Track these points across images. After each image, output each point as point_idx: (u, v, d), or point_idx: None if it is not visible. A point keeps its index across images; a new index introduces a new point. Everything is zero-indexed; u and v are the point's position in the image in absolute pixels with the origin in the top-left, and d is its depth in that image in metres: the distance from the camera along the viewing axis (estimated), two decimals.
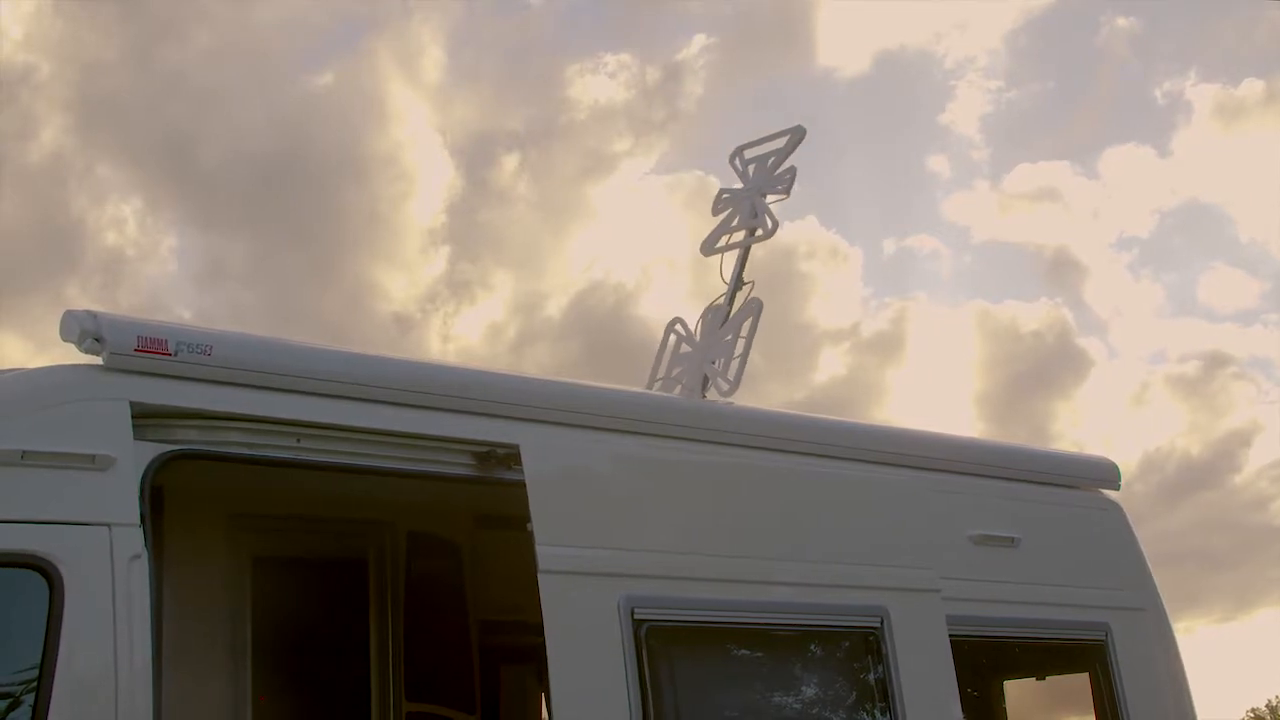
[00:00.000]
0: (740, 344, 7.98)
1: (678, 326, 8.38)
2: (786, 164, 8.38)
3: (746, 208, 8.39)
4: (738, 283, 8.26)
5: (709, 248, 8.50)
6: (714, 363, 8.03)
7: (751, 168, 8.53)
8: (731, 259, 8.41)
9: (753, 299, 8.12)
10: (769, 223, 8.28)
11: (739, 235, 8.41)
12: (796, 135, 8.39)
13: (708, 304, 8.39)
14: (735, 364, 7.94)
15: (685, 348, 8.32)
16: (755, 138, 8.67)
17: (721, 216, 8.53)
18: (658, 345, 8.42)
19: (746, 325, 8.04)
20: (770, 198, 8.36)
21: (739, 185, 8.58)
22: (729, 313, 8.17)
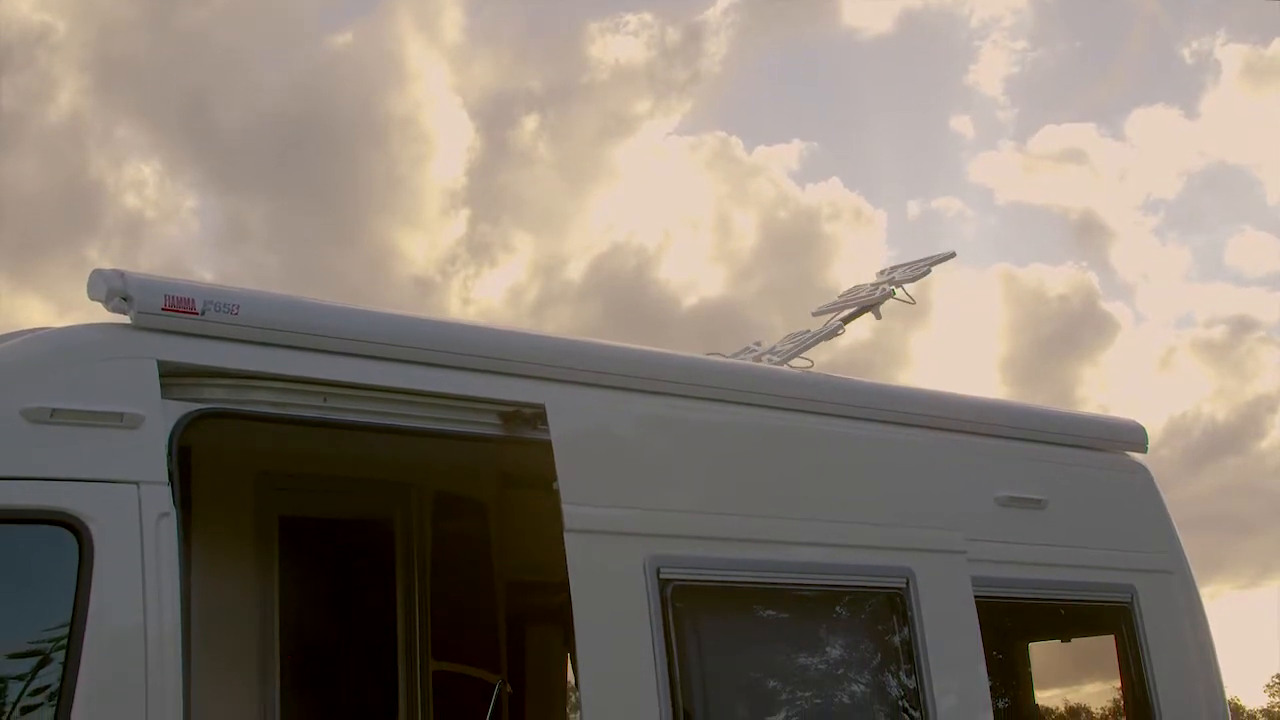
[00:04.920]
0: (803, 344, 8.54)
1: (754, 345, 8.88)
2: (925, 268, 9.02)
3: (870, 288, 8.95)
4: (833, 323, 8.76)
5: (821, 310, 8.95)
6: (775, 355, 8.49)
7: (892, 276, 9.10)
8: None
9: (837, 325, 8.72)
10: (882, 291, 8.82)
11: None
12: (944, 255, 9.09)
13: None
14: (791, 351, 8.52)
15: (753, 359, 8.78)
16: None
17: (845, 297, 9.12)
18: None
19: (815, 337, 8.63)
20: (899, 291, 8.89)
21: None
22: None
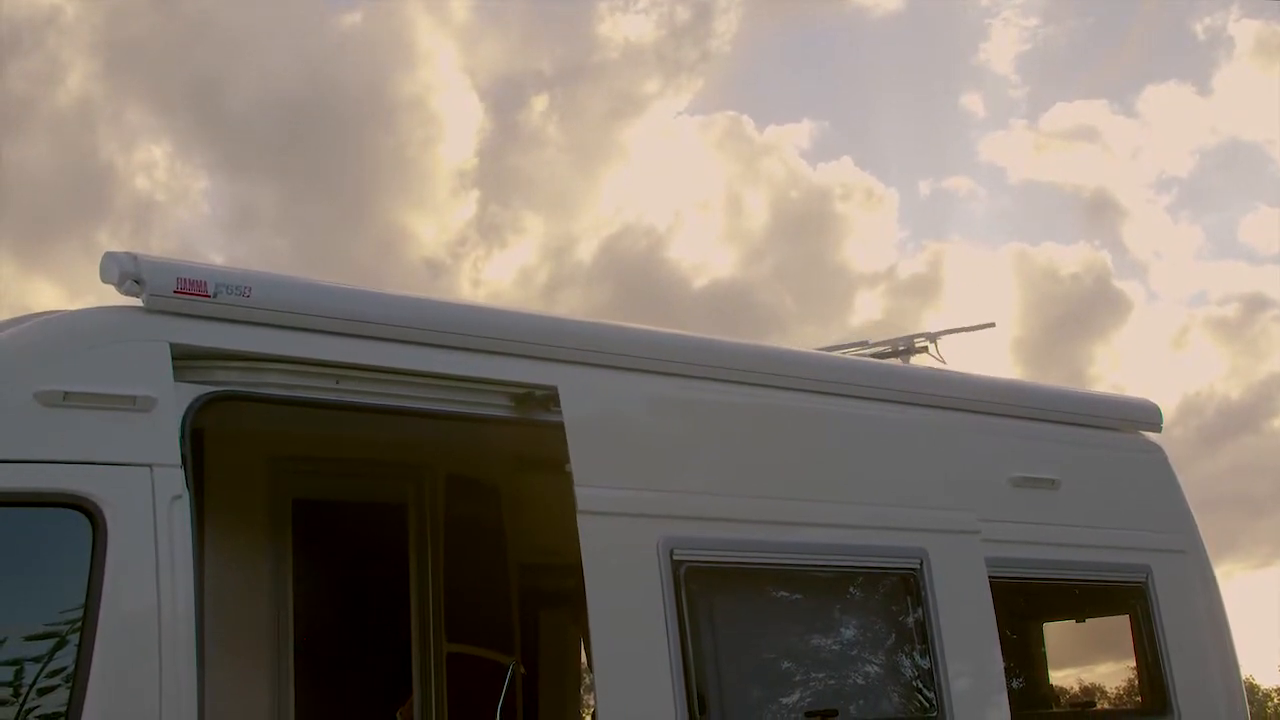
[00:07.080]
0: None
1: None
2: (962, 329, 9.05)
3: (903, 338, 8.97)
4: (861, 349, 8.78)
5: (863, 347, 8.98)
6: None
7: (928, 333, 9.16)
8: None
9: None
10: (917, 342, 8.80)
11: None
12: (984, 324, 9.18)
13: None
14: None
15: None
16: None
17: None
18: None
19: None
20: (931, 346, 8.82)
21: None
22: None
